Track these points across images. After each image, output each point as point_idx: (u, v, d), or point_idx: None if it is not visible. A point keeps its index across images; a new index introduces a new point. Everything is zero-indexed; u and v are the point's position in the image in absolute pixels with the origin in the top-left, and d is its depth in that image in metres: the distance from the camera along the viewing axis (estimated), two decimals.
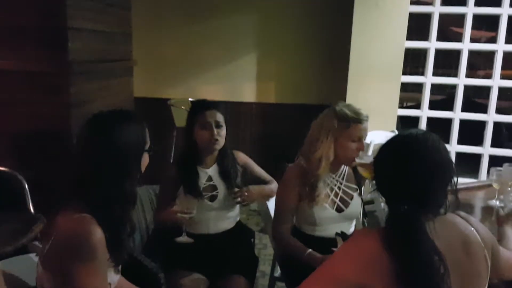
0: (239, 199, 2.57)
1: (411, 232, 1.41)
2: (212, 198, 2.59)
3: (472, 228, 1.53)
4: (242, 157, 2.78)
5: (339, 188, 2.48)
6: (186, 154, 2.63)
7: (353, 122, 2.32)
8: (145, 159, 1.79)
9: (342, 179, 2.51)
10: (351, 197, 2.49)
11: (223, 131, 2.57)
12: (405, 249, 1.39)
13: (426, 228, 1.43)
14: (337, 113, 2.35)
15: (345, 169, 2.53)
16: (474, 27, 4.88)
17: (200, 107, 2.59)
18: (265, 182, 2.80)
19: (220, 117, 2.56)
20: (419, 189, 1.47)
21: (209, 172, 2.62)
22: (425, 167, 1.47)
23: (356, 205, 2.50)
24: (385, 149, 1.58)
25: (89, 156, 1.66)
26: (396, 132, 4.70)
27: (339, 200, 2.47)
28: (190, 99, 5.02)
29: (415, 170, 1.47)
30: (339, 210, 2.46)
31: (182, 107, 4.94)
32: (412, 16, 4.70)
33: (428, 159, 1.49)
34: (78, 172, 1.68)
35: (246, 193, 2.58)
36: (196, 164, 2.61)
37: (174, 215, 2.39)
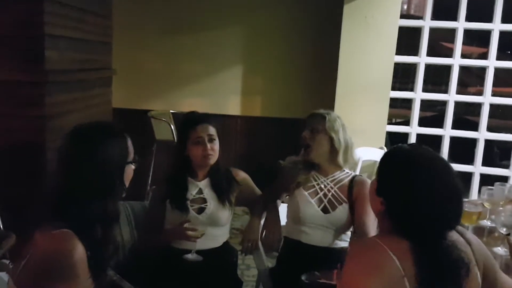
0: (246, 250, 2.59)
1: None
2: (200, 211, 2.50)
3: (467, 244, 1.47)
4: (241, 174, 2.74)
5: (328, 190, 2.52)
6: (177, 167, 2.57)
7: None
8: (129, 172, 1.72)
9: (334, 185, 2.53)
10: (340, 204, 2.50)
11: (216, 145, 2.53)
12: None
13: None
14: None
15: (338, 177, 2.56)
16: (465, 42, 4.84)
17: (192, 121, 2.53)
18: (256, 198, 2.77)
19: (212, 131, 2.51)
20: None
21: (200, 185, 2.57)
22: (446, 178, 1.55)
23: (343, 212, 2.49)
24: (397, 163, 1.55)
25: (69, 171, 1.59)
26: (385, 149, 4.62)
27: (327, 202, 2.50)
28: (171, 111, 4.94)
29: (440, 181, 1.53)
30: (325, 211, 2.49)
31: (163, 119, 4.85)
32: (402, 31, 4.64)
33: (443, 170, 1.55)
34: (57, 188, 1.60)
35: (250, 244, 2.58)
36: (187, 176, 2.56)
37: (183, 233, 2.33)
